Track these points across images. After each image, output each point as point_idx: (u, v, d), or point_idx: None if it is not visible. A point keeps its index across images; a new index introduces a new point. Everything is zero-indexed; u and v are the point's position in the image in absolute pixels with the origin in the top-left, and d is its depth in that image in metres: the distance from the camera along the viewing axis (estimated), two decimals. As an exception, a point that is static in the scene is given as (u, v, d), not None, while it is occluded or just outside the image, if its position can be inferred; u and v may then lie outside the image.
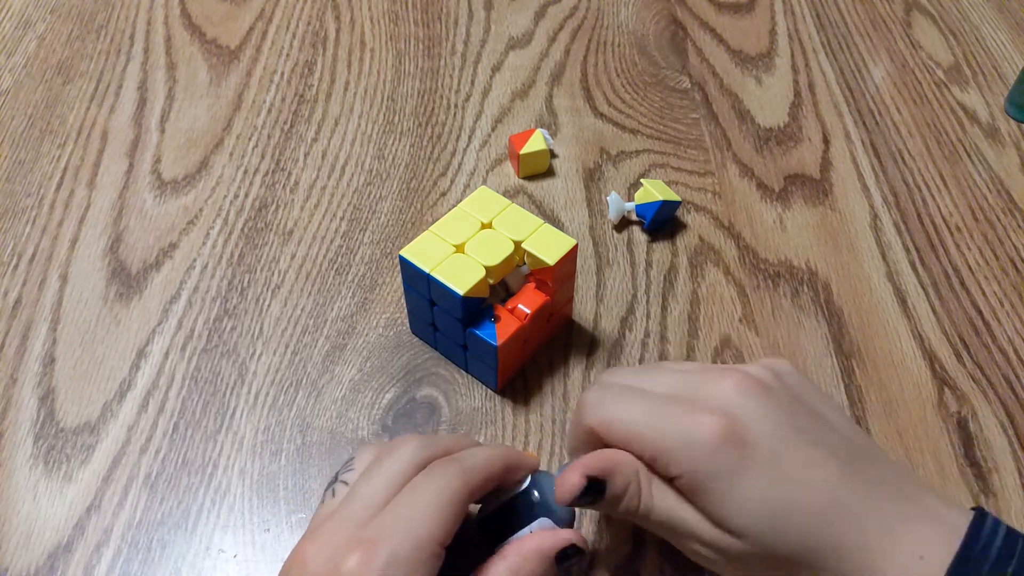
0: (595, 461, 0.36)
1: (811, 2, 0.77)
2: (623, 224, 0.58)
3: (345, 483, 0.37)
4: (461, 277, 0.45)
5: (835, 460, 0.34)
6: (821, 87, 0.69)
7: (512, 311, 0.47)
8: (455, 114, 0.65)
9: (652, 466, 0.36)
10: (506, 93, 0.67)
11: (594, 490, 0.36)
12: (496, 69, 0.69)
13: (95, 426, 0.48)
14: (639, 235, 0.58)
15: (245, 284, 0.54)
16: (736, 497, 0.34)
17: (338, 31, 0.72)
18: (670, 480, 0.35)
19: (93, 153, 0.62)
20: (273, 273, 0.55)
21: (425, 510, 0.34)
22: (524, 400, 0.49)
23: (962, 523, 0.33)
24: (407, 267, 0.46)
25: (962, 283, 0.55)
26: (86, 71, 0.68)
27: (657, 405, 0.36)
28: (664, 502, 0.36)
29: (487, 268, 0.45)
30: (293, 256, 0.56)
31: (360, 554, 0.33)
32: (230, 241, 0.57)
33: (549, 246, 0.46)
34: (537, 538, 0.36)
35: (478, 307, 0.46)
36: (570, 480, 0.36)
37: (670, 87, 0.68)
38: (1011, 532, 0.33)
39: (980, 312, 0.54)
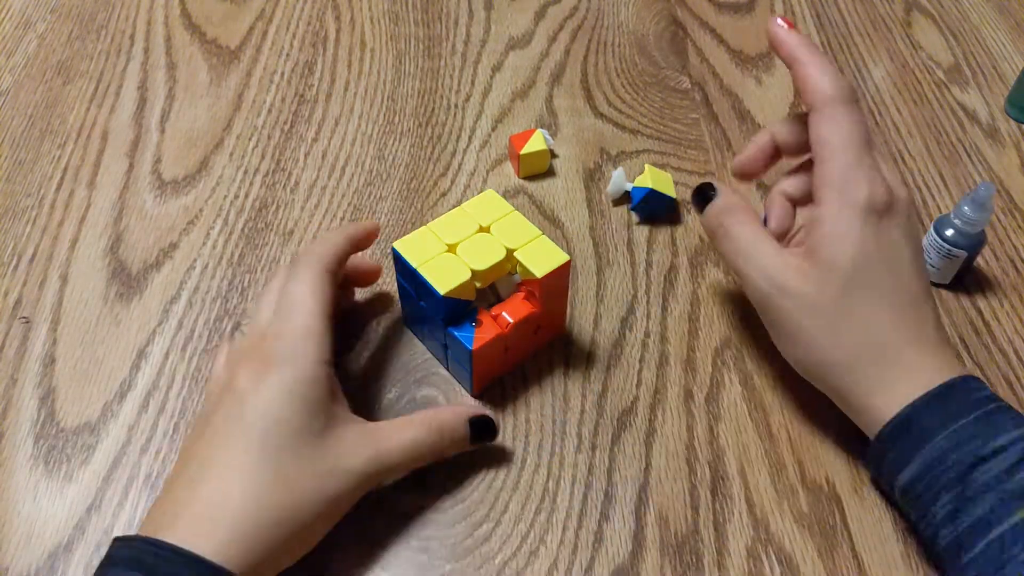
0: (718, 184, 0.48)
1: (811, 2, 0.77)
2: (621, 200, 0.59)
3: (243, 332, 0.44)
4: (445, 277, 0.45)
5: (921, 279, 0.43)
6: (821, 87, 0.68)
7: (495, 318, 0.47)
8: (455, 114, 0.65)
9: (820, 186, 0.43)
10: (506, 93, 0.67)
11: (705, 194, 0.48)
12: (496, 69, 0.69)
13: (95, 426, 0.48)
14: (639, 235, 0.58)
15: (245, 284, 0.54)
16: (859, 239, 0.41)
17: (338, 31, 0.72)
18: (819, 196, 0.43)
19: (93, 153, 0.62)
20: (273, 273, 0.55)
21: (297, 299, 0.42)
22: (524, 400, 0.49)
23: (963, 368, 0.42)
24: (398, 259, 0.47)
25: (962, 283, 0.55)
26: (86, 71, 0.68)
27: (867, 157, 0.43)
28: (747, 234, 0.45)
29: (474, 272, 0.45)
30: (293, 256, 0.56)
31: (254, 359, 0.40)
32: (230, 241, 0.57)
33: (541, 258, 0.46)
34: (454, 407, 0.45)
35: (463, 309, 0.46)
36: (697, 187, 0.49)
37: (670, 87, 0.68)
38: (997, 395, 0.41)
39: (980, 312, 0.54)
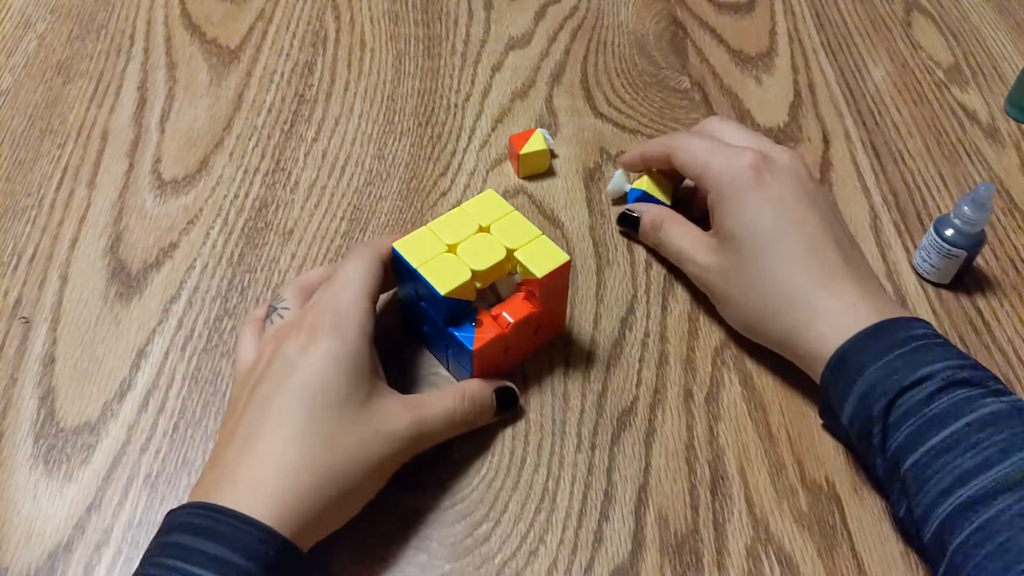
0: (638, 206, 0.57)
1: (811, 2, 0.77)
2: (620, 200, 0.59)
3: (281, 315, 0.45)
4: (446, 277, 0.45)
5: (825, 223, 0.48)
6: (821, 87, 0.69)
7: (496, 318, 0.47)
8: (455, 114, 0.65)
9: (696, 181, 0.51)
10: (506, 93, 0.67)
11: (631, 220, 0.56)
12: (496, 69, 0.69)
13: (95, 426, 0.48)
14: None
15: (245, 284, 0.54)
16: (739, 210, 0.48)
17: (338, 31, 0.72)
18: (705, 194, 0.50)
19: (93, 153, 0.62)
20: (273, 273, 0.55)
21: (349, 277, 0.44)
22: (524, 400, 0.49)
23: (898, 309, 0.45)
24: (398, 259, 0.46)
25: (962, 283, 0.55)
26: (86, 71, 0.68)
27: (715, 145, 0.50)
28: (674, 235, 0.53)
29: (474, 272, 0.45)
30: (293, 256, 0.56)
31: (303, 329, 0.42)
32: (230, 241, 0.57)
33: (541, 259, 0.46)
34: (478, 380, 0.47)
35: (464, 309, 0.46)
36: (620, 213, 0.57)
37: (670, 87, 0.68)
38: (934, 332, 0.44)
39: (980, 312, 0.54)
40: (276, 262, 0.56)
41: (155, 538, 0.38)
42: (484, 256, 0.46)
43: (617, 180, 0.59)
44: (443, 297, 0.44)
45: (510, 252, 0.46)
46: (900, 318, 0.44)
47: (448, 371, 0.50)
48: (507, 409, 0.48)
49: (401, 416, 0.42)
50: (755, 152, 0.48)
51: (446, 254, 0.46)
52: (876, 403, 0.41)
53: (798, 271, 0.46)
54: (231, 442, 0.40)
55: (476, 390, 0.46)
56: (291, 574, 0.38)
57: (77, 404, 0.48)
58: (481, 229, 0.47)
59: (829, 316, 0.45)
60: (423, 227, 0.47)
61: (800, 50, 0.72)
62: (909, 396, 0.41)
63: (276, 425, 0.39)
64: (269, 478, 0.38)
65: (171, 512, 0.38)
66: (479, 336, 0.46)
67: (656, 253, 0.56)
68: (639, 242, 0.57)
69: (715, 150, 0.49)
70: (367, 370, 0.42)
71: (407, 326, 0.52)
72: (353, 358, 0.41)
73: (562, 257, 0.46)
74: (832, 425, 0.47)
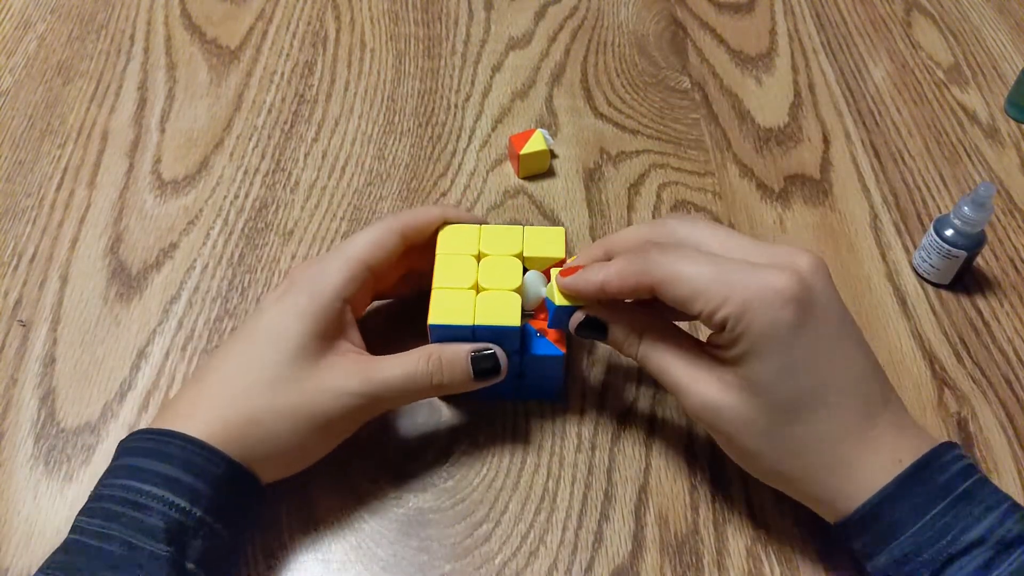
0: (601, 311, 0.42)
1: (811, 2, 0.77)
2: (540, 309, 0.48)
3: None
4: (504, 312, 0.43)
5: (864, 359, 0.39)
6: (821, 87, 0.69)
7: (540, 321, 0.46)
8: (455, 114, 0.65)
9: (709, 322, 0.38)
10: (506, 93, 0.67)
11: (596, 327, 0.42)
12: (496, 69, 0.69)
13: (95, 426, 0.48)
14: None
15: (245, 284, 0.54)
16: (781, 358, 0.37)
17: (338, 31, 0.72)
18: (717, 330, 0.38)
19: (93, 153, 0.62)
20: (273, 273, 0.55)
21: (350, 243, 0.44)
22: (524, 400, 0.49)
23: (929, 443, 0.39)
24: (443, 331, 0.43)
25: (962, 283, 0.55)
26: (86, 71, 0.68)
27: (727, 264, 0.38)
28: (657, 358, 0.41)
29: (515, 290, 0.44)
30: (293, 256, 0.56)
31: (284, 282, 0.44)
32: (230, 241, 0.57)
33: (547, 244, 0.46)
34: (453, 344, 0.43)
35: (520, 335, 0.44)
36: (577, 318, 0.42)
37: (670, 87, 0.68)
38: (973, 465, 0.38)
39: (980, 312, 0.54)
40: (276, 262, 0.56)
41: (108, 466, 0.39)
42: (509, 274, 0.45)
43: (532, 282, 0.46)
44: (517, 328, 0.43)
45: (519, 256, 0.46)
46: (929, 453, 0.38)
47: (519, 399, 0.48)
48: (488, 376, 0.43)
49: (351, 374, 0.41)
50: (791, 274, 0.37)
51: (480, 295, 0.44)
52: (919, 569, 0.36)
53: (847, 430, 0.38)
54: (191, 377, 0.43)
55: (447, 351, 0.43)
56: (246, 498, 0.40)
57: (77, 405, 0.48)
58: (476, 258, 0.46)
59: (866, 472, 0.38)
60: (432, 292, 0.44)
61: (800, 50, 0.72)
62: (960, 565, 0.36)
63: (223, 359, 0.42)
64: (206, 406, 0.40)
65: (121, 441, 0.40)
66: (556, 340, 0.45)
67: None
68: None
69: (728, 272, 0.37)
70: (329, 329, 0.42)
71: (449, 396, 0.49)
72: (318, 313, 0.42)
73: (559, 231, 0.47)
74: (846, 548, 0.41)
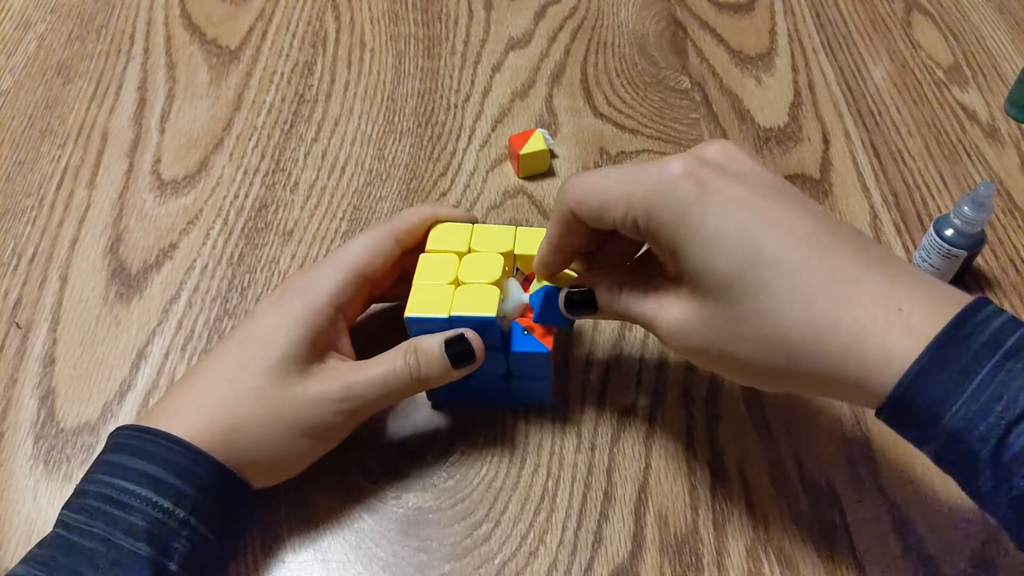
0: (579, 279, 0.42)
1: (811, 2, 0.77)
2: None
3: None
4: (481, 302, 0.42)
5: (811, 215, 0.34)
6: (821, 87, 0.69)
7: (526, 319, 0.45)
8: (455, 114, 0.65)
9: (625, 228, 0.37)
10: (506, 93, 0.67)
11: (583, 298, 0.41)
12: (496, 69, 0.69)
13: (95, 426, 0.48)
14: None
15: (245, 284, 0.54)
16: (695, 241, 0.34)
17: (338, 31, 0.72)
18: (641, 237, 0.37)
19: (93, 153, 0.62)
20: (273, 273, 0.55)
21: (344, 250, 0.44)
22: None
23: (961, 297, 0.33)
24: (420, 324, 0.42)
25: (962, 283, 0.55)
26: (86, 71, 0.68)
27: (632, 167, 0.37)
28: (634, 304, 0.40)
29: (495, 283, 0.44)
30: (293, 256, 0.56)
31: (279, 289, 0.44)
32: (230, 241, 0.57)
33: (538, 243, 0.44)
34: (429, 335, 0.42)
35: (500, 330, 0.44)
36: (563, 296, 0.42)
37: (670, 87, 0.68)
38: (1015, 318, 0.32)
39: (980, 312, 0.54)
40: (276, 262, 0.56)
41: (95, 459, 0.40)
42: (489, 269, 0.44)
43: (514, 293, 0.45)
44: (496, 319, 0.42)
45: (507, 254, 0.45)
46: (963, 313, 0.32)
47: (510, 403, 0.48)
48: (463, 361, 0.42)
49: (333, 382, 0.41)
50: (687, 157, 0.36)
51: (458, 289, 0.43)
52: (977, 447, 0.31)
53: (811, 292, 0.33)
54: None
55: (423, 344, 0.42)
56: (235, 502, 0.40)
57: (77, 405, 0.48)
58: (461, 255, 0.45)
59: (871, 338, 0.32)
60: (413, 286, 0.44)
61: (800, 50, 0.72)
62: (1021, 430, 0.30)
63: (212, 363, 0.42)
64: (192, 409, 0.40)
65: (111, 433, 0.40)
66: (542, 337, 0.44)
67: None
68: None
69: (629, 174, 0.36)
70: (318, 337, 0.42)
71: (437, 398, 0.49)
72: (309, 321, 0.42)
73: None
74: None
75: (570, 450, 0.47)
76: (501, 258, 0.45)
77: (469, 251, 0.46)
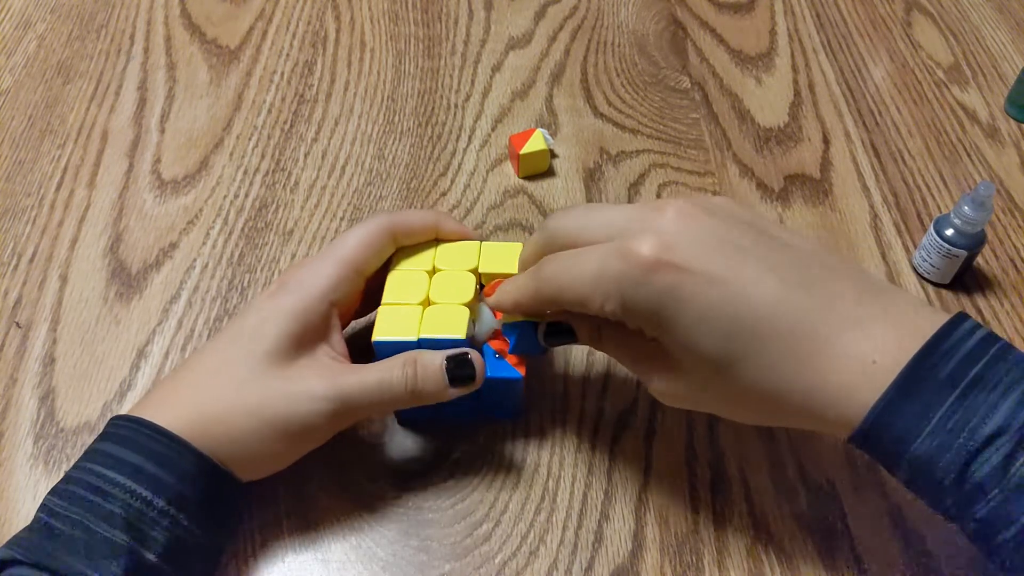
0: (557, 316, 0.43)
1: (811, 2, 0.77)
2: (494, 336, 0.46)
3: None
4: (451, 324, 0.42)
5: (777, 276, 0.36)
6: (821, 87, 0.69)
7: (499, 341, 0.45)
8: (455, 114, 0.65)
9: (605, 315, 0.38)
10: (506, 93, 0.67)
11: (562, 330, 0.43)
12: (496, 69, 0.69)
13: (95, 426, 0.48)
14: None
15: (245, 284, 0.54)
16: (667, 322, 0.36)
17: (338, 31, 0.72)
18: (626, 328, 0.38)
19: (93, 153, 0.62)
20: (273, 273, 0.55)
21: (339, 244, 0.44)
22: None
23: (931, 325, 0.35)
24: (388, 347, 0.42)
25: (962, 283, 0.55)
26: (86, 71, 0.68)
27: (596, 254, 0.37)
28: (613, 351, 0.42)
29: (467, 304, 0.43)
30: (293, 256, 0.56)
31: (275, 283, 0.43)
32: (230, 241, 0.57)
33: (503, 260, 0.45)
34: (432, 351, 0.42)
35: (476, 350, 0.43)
36: (542, 330, 0.43)
37: (670, 87, 0.68)
38: (989, 337, 0.34)
39: (980, 312, 0.54)
40: (276, 262, 0.56)
41: (86, 448, 0.40)
42: (461, 289, 0.44)
43: (486, 317, 0.45)
44: (467, 340, 0.42)
45: (474, 271, 0.45)
46: (930, 343, 0.34)
47: (481, 419, 0.48)
48: (463, 383, 0.41)
49: (321, 378, 0.41)
50: (649, 237, 0.36)
51: (430, 308, 0.43)
52: (940, 477, 0.33)
53: (791, 363, 0.35)
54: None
55: (424, 358, 0.41)
56: (220, 494, 0.40)
57: (77, 404, 0.48)
58: (430, 273, 0.45)
59: (849, 393, 0.35)
60: (378, 310, 0.44)
61: (800, 50, 0.72)
62: (982, 460, 0.32)
63: (203, 355, 0.42)
64: (178, 400, 0.40)
65: (106, 424, 0.41)
66: (515, 362, 0.43)
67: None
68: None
69: (600, 263, 0.37)
70: (310, 332, 0.42)
71: (407, 420, 0.48)
72: (300, 315, 0.42)
73: (516, 247, 0.45)
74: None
75: (570, 450, 0.47)
76: (473, 277, 0.44)
77: (434, 270, 0.45)
